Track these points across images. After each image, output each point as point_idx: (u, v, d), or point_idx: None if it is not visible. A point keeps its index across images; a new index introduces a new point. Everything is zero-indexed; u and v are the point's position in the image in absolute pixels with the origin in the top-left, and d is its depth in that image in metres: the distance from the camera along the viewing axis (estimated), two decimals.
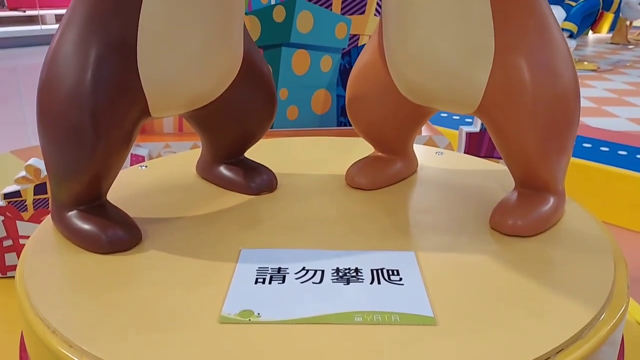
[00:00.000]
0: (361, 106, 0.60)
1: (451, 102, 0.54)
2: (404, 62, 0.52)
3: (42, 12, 4.20)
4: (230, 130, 0.58)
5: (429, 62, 0.50)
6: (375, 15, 1.01)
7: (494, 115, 0.51)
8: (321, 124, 1.06)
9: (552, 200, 0.52)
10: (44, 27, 4.18)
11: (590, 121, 2.24)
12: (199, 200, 0.57)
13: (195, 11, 0.45)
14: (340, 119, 1.08)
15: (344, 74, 1.04)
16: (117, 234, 0.46)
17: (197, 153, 0.66)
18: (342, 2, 1.00)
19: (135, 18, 0.44)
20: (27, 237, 0.90)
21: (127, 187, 0.59)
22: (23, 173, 0.86)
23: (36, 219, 0.89)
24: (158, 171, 0.65)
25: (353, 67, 0.61)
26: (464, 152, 1.04)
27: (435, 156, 0.74)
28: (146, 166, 0.67)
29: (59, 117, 0.45)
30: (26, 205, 0.87)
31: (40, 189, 0.87)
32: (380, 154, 0.65)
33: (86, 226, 0.47)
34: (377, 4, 1.00)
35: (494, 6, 0.46)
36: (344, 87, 1.08)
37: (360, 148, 0.68)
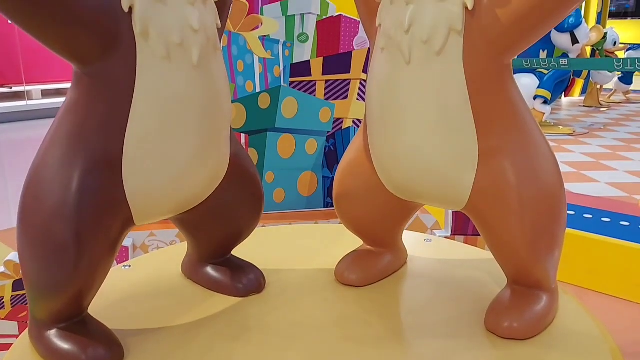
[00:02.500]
0: (349, 203, 0.60)
1: (439, 200, 0.54)
2: (390, 163, 0.53)
3: (28, 88, 4.25)
4: (216, 232, 0.57)
5: (415, 165, 0.51)
6: (357, 99, 1.04)
7: (481, 215, 0.51)
8: (308, 206, 1.06)
9: (545, 298, 0.52)
10: (29, 102, 4.22)
11: (572, 187, 2.28)
12: (184, 305, 0.55)
13: (183, 123, 0.45)
14: (327, 200, 1.08)
15: (329, 155, 1.06)
16: (98, 352, 0.44)
17: (182, 248, 0.64)
18: (326, 88, 1.02)
19: (121, 133, 0.44)
20: (5, 336, 0.86)
21: (110, 293, 0.57)
22: (2, 269, 0.84)
23: (14, 317, 0.85)
24: (142, 272, 0.63)
25: (339, 165, 0.61)
26: (451, 231, 1.04)
27: (424, 244, 0.73)
28: (130, 265, 0.65)
29: (41, 233, 0.44)
30: (3, 302, 0.84)
31: (19, 285, 0.84)
32: (369, 247, 0.64)
33: (66, 346, 0.45)
34: (360, 89, 1.03)
35: (475, 112, 0.47)
36: (330, 169, 1.09)
37: (348, 235, 0.67)
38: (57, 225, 0.43)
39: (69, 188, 0.43)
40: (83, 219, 0.43)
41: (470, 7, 0.44)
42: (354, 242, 0.64)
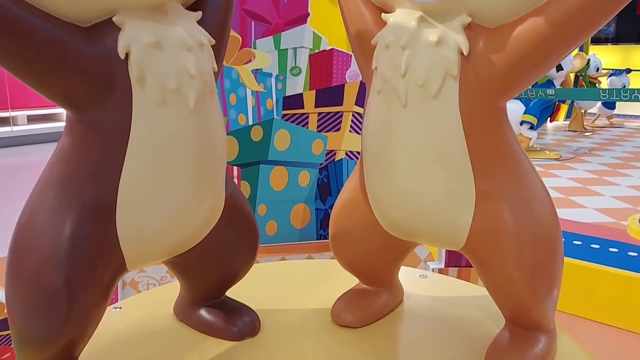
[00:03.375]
0: (346, 243, 0.60)
1: (436, 240, 0.54)
2: (387, 204, 0.53)
3: (13, 113, 4.22)
4: (210, 274, 0.56)
5: (412, 206, 0.50)
6: (350, 132, 1.05)
7: (480, 256, 0.51)
8: (301, 238, 1.05)
9: (544, 340, 0.51)
10: (15, 128, 4.18)
11: (561, 213, 2.30)
12: (177, 351, 0.54)
13: (179, 168, 0.45)
14: (319, 232, 1.08)
15: (322, 187, 1.06)
16: None
17: (174, 288, 0.63)
18: (318, 121, 1.03)
19: (116, 179, 0.43)
20: None
21: (100, 337, 0.55)
22: None
23: None
24: (133, 314, 0.62)
25: (335, 204, 0.61)
26: (445, 263, 1.04)
27: (420, 280, 0.72)
28: (120, 307, 0.64)
29: (32, 280, 0.43)
30: None
31: (3, 324, 0.82)
32: (365, 286, 0.63)
33: None
34: (352, 121, 1.04)
35: (472, 154, 0.47)
36: (323, 201, 1.09)
37: (343, 272, 0.66)
38: (49, 272, 0.42)
39: (61, 235, 0.42)
40: (75, 266, 0.42)
41: (465, 52, 0.45)
42: (349, 279, 0.64)
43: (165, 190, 0.45)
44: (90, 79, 0.41)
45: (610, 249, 1.76)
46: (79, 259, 0.42)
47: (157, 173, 0.44)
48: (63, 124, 0.46)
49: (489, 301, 0.61)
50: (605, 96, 1.29)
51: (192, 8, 0.46)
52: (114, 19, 0.41)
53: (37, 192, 0.45)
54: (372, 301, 0.62)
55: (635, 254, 1.67)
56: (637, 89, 1.13)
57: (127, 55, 0.41)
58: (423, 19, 0.46)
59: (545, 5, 0.43)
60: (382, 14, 0.50)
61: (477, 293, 0.67)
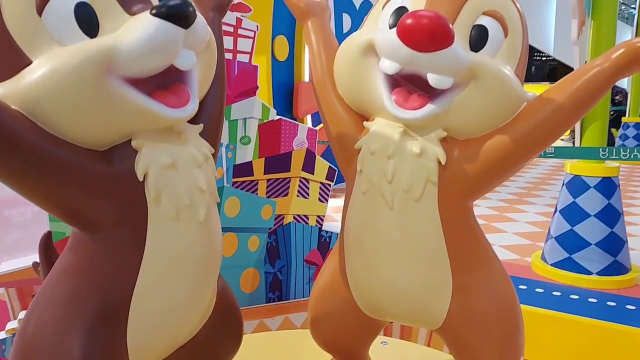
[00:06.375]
0: (325, 324, 0.63)
1: (414, 322, 0.59)
2: (370, 292, 0.57)
3: None
4: None
5: (395, 294, 0.55)
6: (297, 196, 1.09)
7: (454, 334, 0.57)
8: (250, 302, 1.06)
9: None
10: None
11: None
12: None
13: (186, 273, 0.46)
14: (269, 295, 1.09)
15: (271, 251, 1.08)
16: None
17: None
18: (267, 187, 1.06)
19: (129, 291, 0.44)
20: None
21: None
22: None
23: None
24: None
25: (313, 288, 0.64)
26: None
27: (381, 347, 0.77)
28: None
29: None
30: None
31: None
32: None
33: None
34: (299, 186, 1.08)
35: (449, 248, 0.53)
36: (272, 264, 1.11)
37: (309, 346, 0.68)
38: None
39: (69, 352, 0.42)
40: None
41: (443, 162, 0.51)
42: (316, 353, 0.66)
43: (175, 295, 0.46)
44: (107, 202, 0.42)
45: (520, 287, 1.91)
46: None
47: (168, 281, 0.45)
48: None
49: None
50: (605, 155, 1.42)
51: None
52: (132, 143, 0.42)
53: (41, 308, 0.44)
54: None
55: (542, 290, 1.83)
56: (638, 148, 1.26)
57: (144, 176, 0.42)
58: (405, 132, 0.52)
59: (509, 124, 0.51)
60: (365, 122, 0.55)
61: (440, 359, 0.73)
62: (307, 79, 3.26)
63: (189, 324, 0.49)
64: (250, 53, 1.03)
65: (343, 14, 3.77)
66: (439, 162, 0.51)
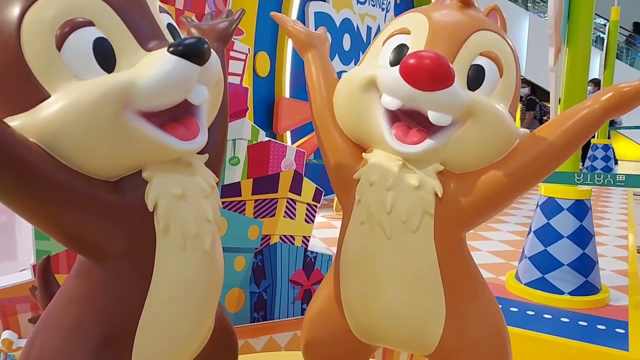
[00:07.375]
0: (318, 349, 0.64)
1: (407, 347, 0.61)
2: (365, 316, 0.59)
3: None
4: None
5: (390, 320, 0.57)
6: (284, 217, 1.10)
7: (445, 358, 0.59)
8: (235, 322, 1.05)
9: None
10: None
11: None
12: None
13: (190, 300, 0.47)
14: (253, 315, 1.09)
15: (256, 271, 1.08)
16: None
17: None
18: (255, 207, 1.07)
19: (136, 318, 0.44)
20: None
21: None
22: None
23: None
24: None
25: (306, 313, 0.65)
26: None
27: None
28: None
29: None
30: None
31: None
32: None
33: None
34: (286, 207, 1.09)
35: (444, 277, 0.55)
36: (257, 284, 1.11)
37: None
38: None
39: None
40: None
41: (440, 195, 0.53)
42: None
43: (179, 322, 0.47)
44: (117, 231, 0.42)
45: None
46: None
47: (173, 309, 0.46)
48: None
49: None
50: (580, 180, 1.46)
51: None
52: (143, 174, 0.43)
53: (45, 333, 0.44)
54: None
55: (516, 310, 1.87)
56: (611, 174, 1.32)
57: (154, 206, 0.43)
58: (404, 165, 0.54)
59: (503, 160, 0.53)
60: (364, 153, 0.57)
61: None
62: (287, 94, 3.27)
63: (190, 349, 0.50)
64: (242, 75, 1.04)
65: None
66: (436, 195, 0.53)
